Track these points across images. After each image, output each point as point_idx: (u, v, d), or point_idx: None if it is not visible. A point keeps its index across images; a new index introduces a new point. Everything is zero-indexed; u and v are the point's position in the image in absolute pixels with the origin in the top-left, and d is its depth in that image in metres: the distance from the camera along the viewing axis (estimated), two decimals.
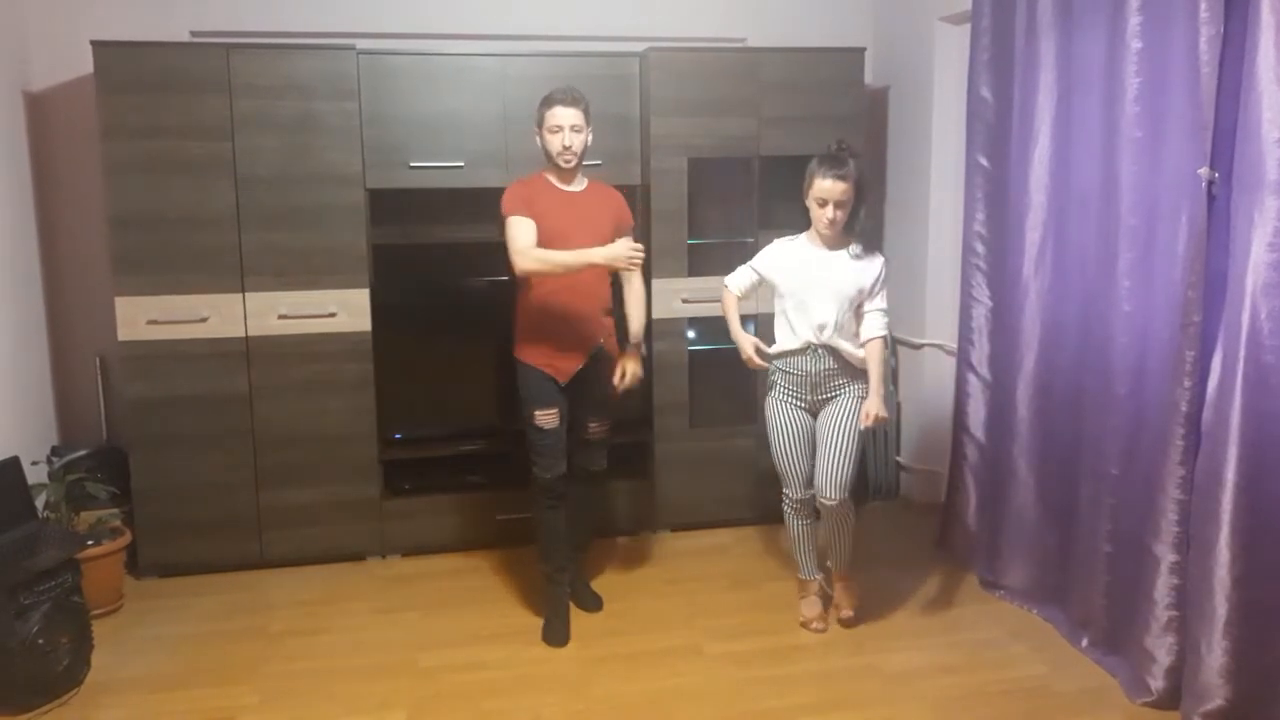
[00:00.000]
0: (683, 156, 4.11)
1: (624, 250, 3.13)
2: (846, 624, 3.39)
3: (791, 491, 3.37)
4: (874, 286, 3.22)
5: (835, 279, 3.20)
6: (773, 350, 3.32)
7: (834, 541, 3.38)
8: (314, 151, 3.79)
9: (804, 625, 3.40)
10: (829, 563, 3.46)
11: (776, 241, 3.35)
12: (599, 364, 3.37)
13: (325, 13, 4.23)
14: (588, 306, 3.30)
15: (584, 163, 3.32)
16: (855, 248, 3.21)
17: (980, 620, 3.46)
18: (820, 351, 3.22)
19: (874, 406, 3.17)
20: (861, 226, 3.20)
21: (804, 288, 3.22)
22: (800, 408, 3.31)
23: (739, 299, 3.39)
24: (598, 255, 3.15)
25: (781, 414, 3.32)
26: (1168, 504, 2.85)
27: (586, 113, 3.23)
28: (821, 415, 3.29)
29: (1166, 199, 2.86)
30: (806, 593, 3.46)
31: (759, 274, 3.34)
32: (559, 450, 3.32)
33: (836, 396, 3.27)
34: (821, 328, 3.19)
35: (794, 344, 3.25)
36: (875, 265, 3.23)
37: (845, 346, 3.22)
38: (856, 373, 3.25)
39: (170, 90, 3.65)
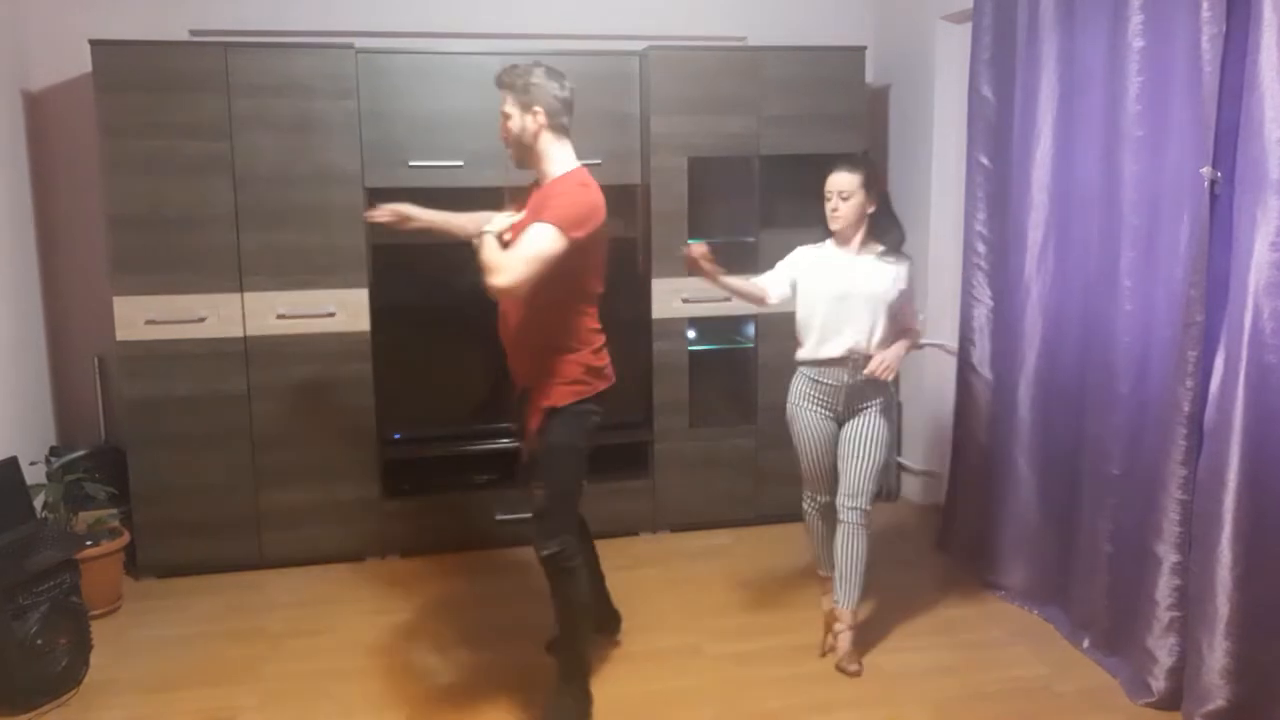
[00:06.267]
0: (683, 155, 4.10)
1: None
2: (856, 674, 3.12)
3: (816, 495, 3.32)
4: (907, 292, 3.14)
5: (868, 283, 3.10)
6: (803, 357, 3.21)
7: (843, 564, 3.18)
8: (313, 151, 3.79)
9: (827, 622, 3.37)
10: (834, 597, 3.25)
11: (800, 248, 3.26)
12: (523, 410, 2.86)
13: (324, 12, 4.22)
14: (509, 341, 2.85)
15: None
16: (880, 250, 3.13)
17: (981, 621, 3.46)
18: (861, 360, 3.10)
19: (893, 356, 3.07)
20: (887, 232, 3.13)
21: (838, 293, 3.11)
22: (828, 417, 3.20)
23: (762, 297, 3.27)
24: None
25: (808, 421, 3.22)
26: (1169, 504, 2.84)
27: (511, 95, 2.72)
28: (848, 425, 3.18)
29: (1168, 198, 2.85)
30: (828, 589, 3.42)
31: (789, 270, 3.24)
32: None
33: (866, 408, 3.16)
34: (864, 334, 3.10)
35: (834, 352, 3.12)
36: (901, 269, 3.13)
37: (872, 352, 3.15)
38: (883, 383, 3.15)
39: (169, 89, 3.65)
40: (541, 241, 2.53)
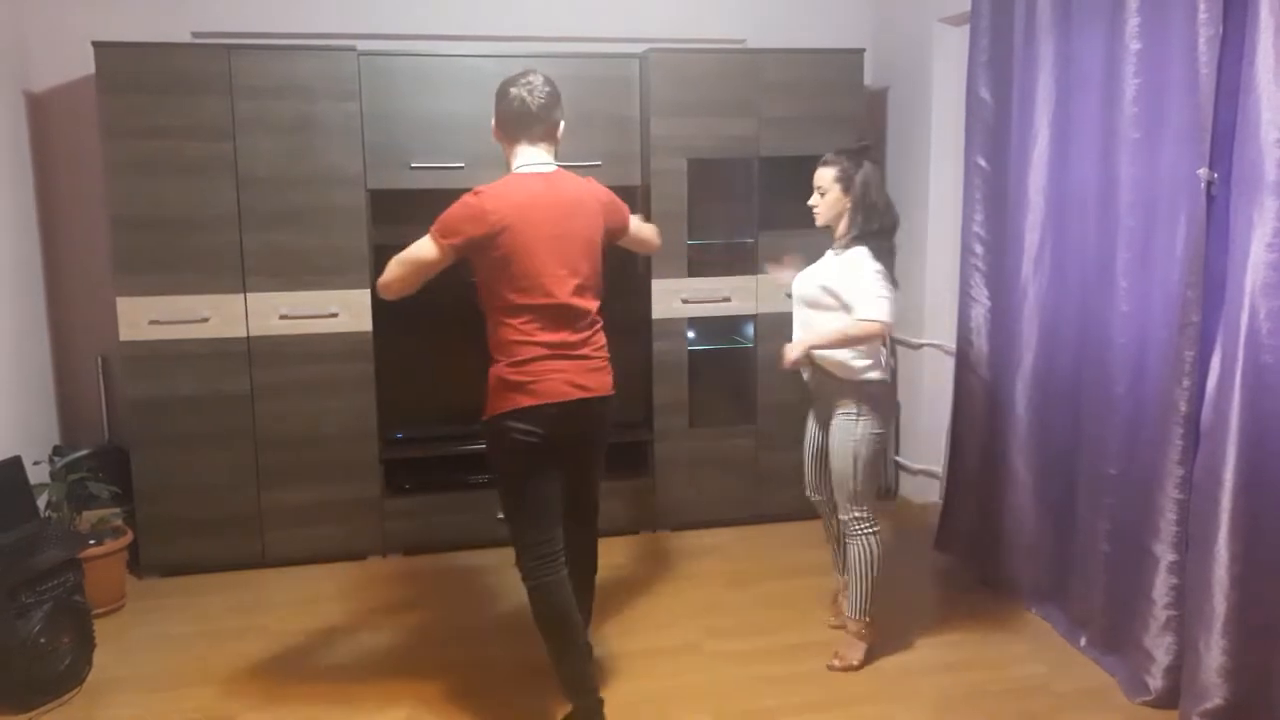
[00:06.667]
0: (682, 157, 4.12)
1: None
2: (831, 669, 3.14)
3: (806, 489, 3.37)
4: (846, 284, 2.96)
5: (801, 283, 3.14)
6: None
7: (850, 572, 3.16)
8: (315, 152, 3.80)
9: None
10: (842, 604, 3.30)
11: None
12: None
13: (326, 14, 4.24)
14: None
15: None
16: (839, 244, 3.07)
17: (979, 619, 3.47)
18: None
19: (791, 347, 3.02)
20: (865, 229, 2.99)
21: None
22: (815, 415, 3.27)
23: None
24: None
25: (808, 417, 3.31)
26: (1166, 503, 2.86)
27: None
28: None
29: (1165, 200, 2.87)
30: (839, 587, 3.46)
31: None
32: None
33: (833, 414, 3.08)
34: (796, 333, 3.13)
35: None
36: (843, 260, 3.01)
37: (822, 355, 3.04)
38: (847, 388, 3.02)
39: (171, 91, 3.66)
40: (415, 245, 2.70)
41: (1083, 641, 3.23)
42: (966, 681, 3.07)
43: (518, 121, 2.71)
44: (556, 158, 2.81)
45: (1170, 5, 2.80)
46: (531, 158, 2.73)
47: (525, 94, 2.69)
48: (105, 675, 3.13)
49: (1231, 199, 2.62)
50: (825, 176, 3.07)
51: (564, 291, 2.67)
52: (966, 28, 3.86)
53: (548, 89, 2.72)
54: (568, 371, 2.68)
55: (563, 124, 2.79)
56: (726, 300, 4.24)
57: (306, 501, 3.95)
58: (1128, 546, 3.04)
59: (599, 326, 2.78)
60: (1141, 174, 2.94)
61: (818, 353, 3.05)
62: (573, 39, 4.42)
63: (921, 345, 4.55)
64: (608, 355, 2.81)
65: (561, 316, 2.68)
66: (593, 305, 2.75)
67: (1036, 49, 3.40)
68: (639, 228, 2.97)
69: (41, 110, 4.07)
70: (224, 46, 3.72)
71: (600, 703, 2.76)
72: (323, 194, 3.83)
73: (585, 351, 2.72)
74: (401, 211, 4.08)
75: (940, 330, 4.41)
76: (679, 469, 4.30)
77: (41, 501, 3.55)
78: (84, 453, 3.81)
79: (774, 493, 4.34)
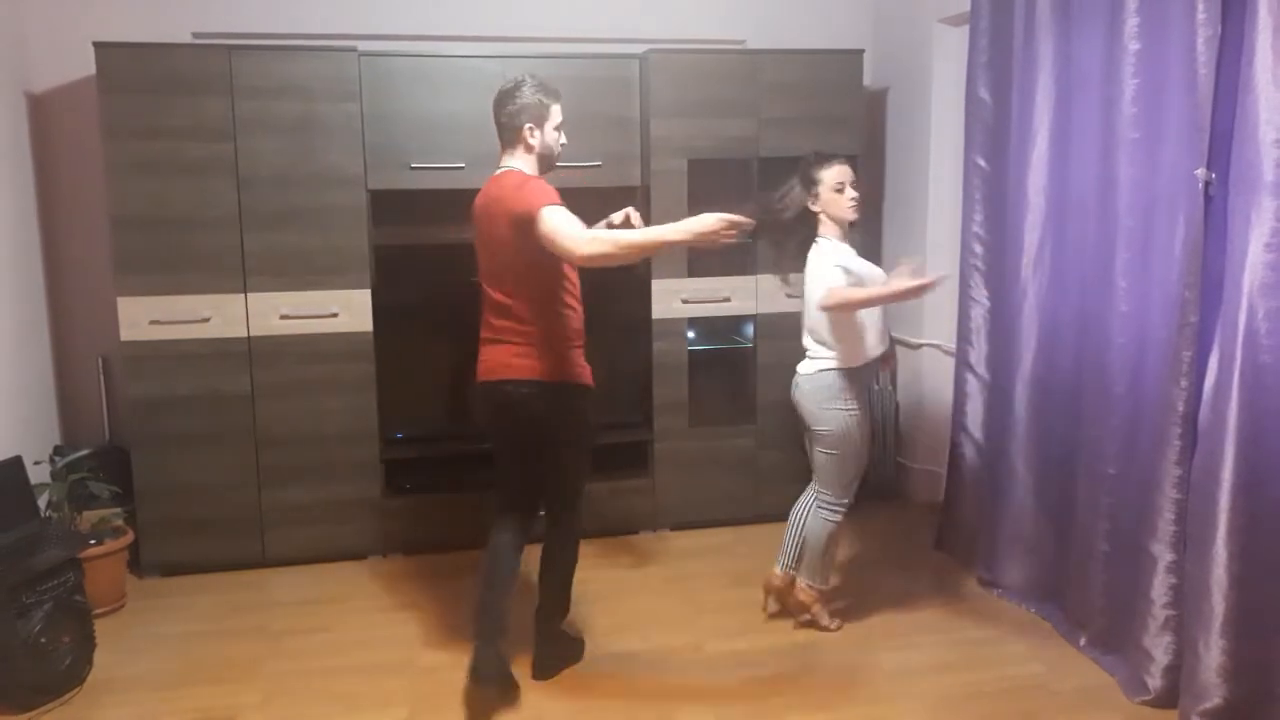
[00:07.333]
0: (683, 158, 4.12)
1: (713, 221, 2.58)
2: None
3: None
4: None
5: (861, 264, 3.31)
6: (865, 358, 3.22)
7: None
8: (315, 152, 3.81)
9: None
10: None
11: (834, 245, 3.20)
12: None
13: (327, 14, 4.24)
14: None
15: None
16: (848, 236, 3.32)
17: (978, 619, 3.47)
18: None
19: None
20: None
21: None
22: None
23: None
24: (684, 228, 2.59)
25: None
26: (1165, 503, 2.86)
27: None
28: None
29: (1164, 200, 2.87)
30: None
31: (857, 274, 3.17)
32: None
33: None
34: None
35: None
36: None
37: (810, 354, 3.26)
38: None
39: (172, 91, 3.67)
40: None
41: (1082, 641, 3.23)
42: (966, 681, 3.07)
43: (502, 127, 2.97)
44: (550, 164, 3.00)
45: (1169, 5, 2.80)
46: (502, 162, 2.99)
47: (495, 105, 2.96)
48: (106, 675, 3.14)
49: (1229, 199, 2.62)
50: (849, 174, 3.25)
51: (486, 283, 2.97)
52: (966, 28, 3.86)
53: (518, 97, 2.90)
54: (492, 356, 2.95)
55: (530, 128, 2.90)
56: (726, 300, 4.25)
57: (307, 501, 3.95)
58: (1127, 546, 3.04)
59: (530, 318, 2.87)
60: (1140, 174, 2.95)
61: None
62: (573, 39, 4.42)
63: (921, 345, 4.56)
64: (537, 342, 2.87)
65: (492, 306, 2.95)
66: (513, 298, 2.89)
67: (1036, 49, 3.40)
68: (555, 230, 2.66)
69: (42, 110, 4.07)
70: (224, 47, 3.73)
71: (491, 663, 2.88)
72: (323, 194, 3.83)
73: (507, 336, 2.92)
74: (402, 212, 4.11)
75: (940, 330, 4.42)
76: (679, 469, 4.30)
77: (42, 501, 3.55)
78: (84, 452, 3.80)
79: (774, 493, 4.33)
